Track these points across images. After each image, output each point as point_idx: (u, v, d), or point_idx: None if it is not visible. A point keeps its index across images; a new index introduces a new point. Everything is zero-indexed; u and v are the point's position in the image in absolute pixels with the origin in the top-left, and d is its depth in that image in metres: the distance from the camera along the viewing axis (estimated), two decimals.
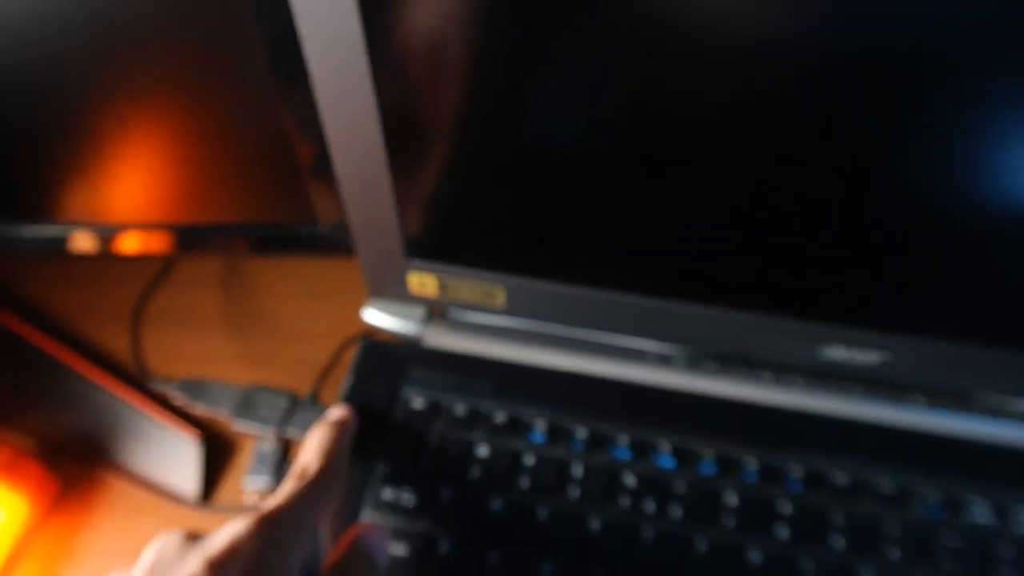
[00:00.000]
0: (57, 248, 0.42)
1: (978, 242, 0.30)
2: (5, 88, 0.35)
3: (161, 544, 0.27)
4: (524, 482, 0.36)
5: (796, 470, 0.36)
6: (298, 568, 0.27)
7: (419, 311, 0.41)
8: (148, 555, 0.27)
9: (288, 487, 0.30)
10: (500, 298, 0.38)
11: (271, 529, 0.27)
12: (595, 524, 0.35)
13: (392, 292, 0.40)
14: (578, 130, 0.30)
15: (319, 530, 0.31)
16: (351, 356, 0.41)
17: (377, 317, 0.41)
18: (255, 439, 0.42)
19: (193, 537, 0.27)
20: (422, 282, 0.38)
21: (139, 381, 0.46)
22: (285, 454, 0.41)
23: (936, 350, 0.35)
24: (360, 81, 0.30)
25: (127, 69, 0.33)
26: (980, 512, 0.35)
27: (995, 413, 0.37)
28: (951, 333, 0.34)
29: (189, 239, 0.40)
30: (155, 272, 0.51)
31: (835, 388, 0.38)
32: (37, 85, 0.35)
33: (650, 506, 0.35)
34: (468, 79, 0.29)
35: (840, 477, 0.36)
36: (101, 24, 0.31)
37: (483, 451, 0.37)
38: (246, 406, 0.40)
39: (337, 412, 0.35)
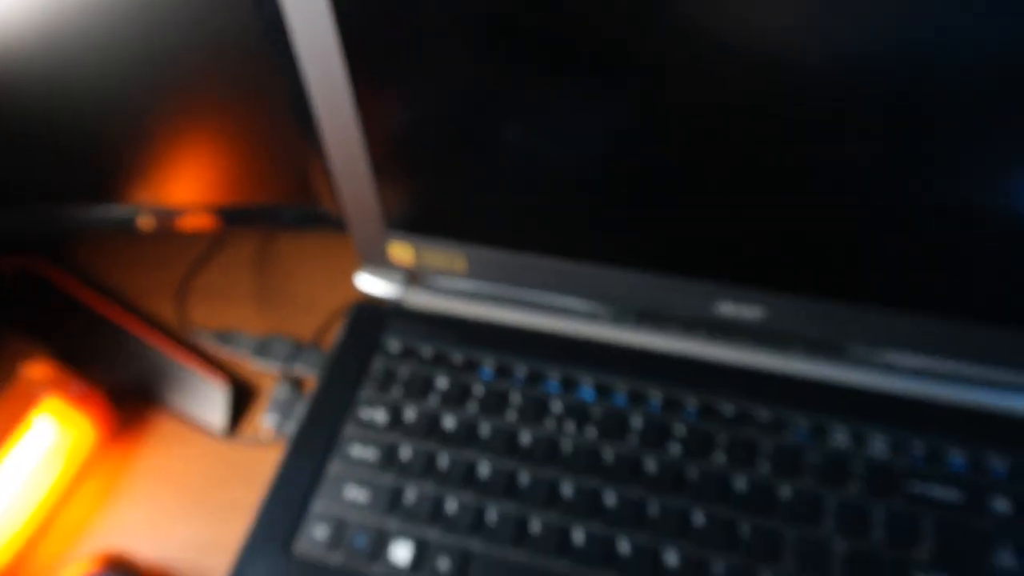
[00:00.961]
0: (122, 226, 0.53)
1: (841, 208, 0.39)
2: (81, 99, 0.46)
3: None
4: (472, 408, 0.45)
5: (692, 402, 0.44)
6: None
7: (399, 277, 0.50)
8: None
9: None
10: (460, 264, 0.47)
11: None
12: (525, 438, 0.44)
13: (378, 261, 0.49)
14: (511, 116, 0.40)
15: None
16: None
17: (366, 282, 0.51)
18: (273, 386, 0.52)
19: None
20: (401, 251, 0.48)
21: (180, 338, 0.57)
22: (296, 395, 0.51)
23: (809, 307, 0.43)
24: (343, 98, 0.40)
25: (174, 87, 0.44)
26: (840, 439, 0.42)
27: (863, 363, 0.45)
28: (823, 293, 0.42)
29: (222, 217, 0.51)
30: (197, 255, 0.62)
31: (728, 340, 0.46)
32: (104, 96, 0.46)
33: (570, 426, 0.44)
34: (436, 87, 0.39)
35: (727, 409, 0.44)
36: (153, 55, 0.43)
37: (442, 383, 0.46)
38: (262, 349, 0.50)
39: None
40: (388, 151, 0.43)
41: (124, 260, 0.64)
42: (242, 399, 0.54)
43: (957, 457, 0.41)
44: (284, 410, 0.51)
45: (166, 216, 0.53)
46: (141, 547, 0.47)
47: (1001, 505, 0.39)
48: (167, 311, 0.60)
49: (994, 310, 0.40)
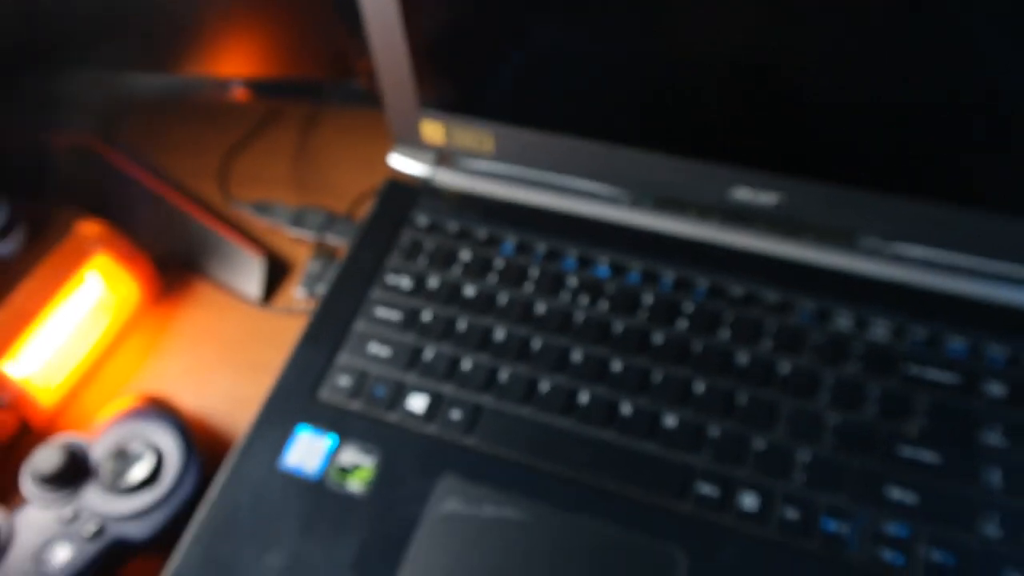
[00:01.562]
0: (171, 95, 0.56)
1: (858, 98, 0.39)
2: None
3: None
4: (492, 279, 0.47)
5: (702, 283, 0.46)
6: None
7: (430, 157, 0.52)
8: None
9: None
10: (488, 144, 0.49)
11: None
12: (540, 308, 0.46)
13: (410, 139, 0.51)
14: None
15: None
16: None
17: (399, 161, 0.53)
18: (308, 259, 0.55)
19: None
20: (432, 129, 0.50)
21: (222, 213, 0.60)
22: (330, 267, 0.54)
23: (823, 194, 0.44)
24: None
25: None
26: (843, 322, 0.44)
27: (872, 252, 0.46)
28: (836, 179, 0.43)
29: (264, 90, 0.54)
30: (240, 137, 0.65)
31: (742, 225, 0.47)
32: None
33: (584, 300, 0.46)
34: None
35: (736, 290, 0.45)
36: None
37: (465, 256, 0.48)
38: (297, 219, 0.53)
39: None
40: (424, 27, 0.44)
41: (172, 142, 0.66)
42: (278, 272, 0.57)
43: (957, 343, 0.42)
44: (316, 282, 0.54)
45: (211, 88, 0.55)
46: (180, 396, 0.51)
47: (995, 389, 0.40)
48: (210, 189, 0.62)
49: (1002, 201, 0.41)
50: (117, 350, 0.54)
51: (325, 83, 0.52)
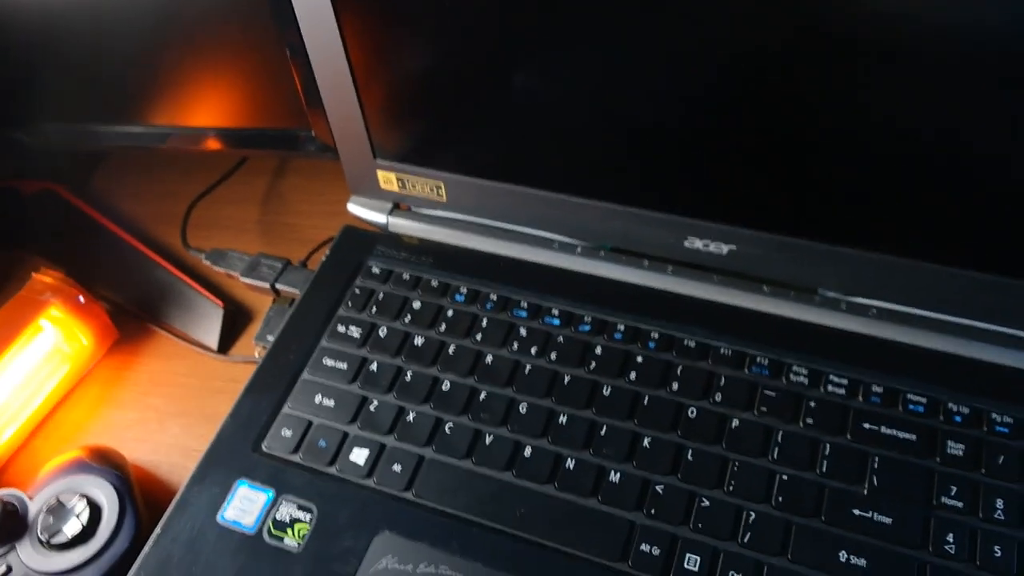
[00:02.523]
0: (140, 144, 0.56)
1: (812, 147, 0.39)
2: (96, 33, 0.49)
3: None
4: (442, 327, 0.46)
5: (654, 333, 0.45)
6: None
7: (386, 205, 0.52)
8: None
9: None
10: (441, 193, 0.49)
11: None
12: (488, 359, 0.45)
13: (366, 188, 0.51)
14: (485, 47, 0.41)
15: None
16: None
17: (356, 209, 0.52)
18: (267, 307, 0.55)
19: None
20: (387, 179, 0.50)
21: (183, 262, 0.59)
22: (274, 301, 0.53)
23: (776, 244, 0.43)
24: (330, 30, 0.41)
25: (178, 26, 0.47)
26: (797, 377, 0.42)
27: (828, 306, 0.45)
28: (790, 231, 0.42)
29: (224, 139, 0.54)
30: (200, 190, 0.65)
31: (696, 275, 0.46)
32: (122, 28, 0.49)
33: (533, 349, 0.45)
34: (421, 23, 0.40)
35: (689, 341, 0.44)
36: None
37: (416, 304, 0.48)
38: (252, 267, 0.52)
39: None
40: (375, 83, 0.44)
41: (140, 190, 0.67)
42: (241, 320, 0.57)
43: (915, 399, 0.41)
44: (273, 329, 0.53)
45: (181, 137, 0.56)
46: (130, 447, 0.50)
47: (953, 448, 0.39)
48: (174, 238, 0.62)
49: (963, 256, 0.40)
50: (70, 400, 0.54)
51: (288, 134, 0.52)
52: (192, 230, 0.62)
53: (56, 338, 0.52)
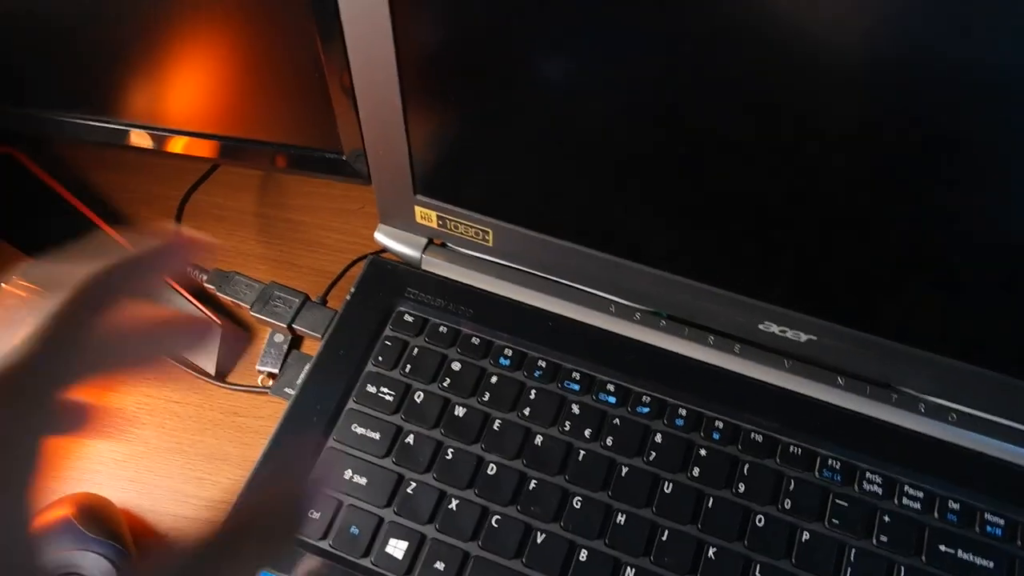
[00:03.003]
0: (119, 142, 0.48)
1: (909, 253, 0.35)
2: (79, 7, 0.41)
3: None
4: (485, 396, 0.42)
5: (718, 422, 0.41)
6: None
7: (421, 240, 0.46)
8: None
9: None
10: (489, 239, 0.43)
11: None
12: (538, 439, 0.41)
13: (400, 220, 0.45)
14: (577, 102, 0.35)
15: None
16: (360, 270, 0.47)
17: (386, 240, 0.47)
18: (269, 330, 0.49)
19: None
20: (425, 215, 0.44)
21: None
22: (293, 346, 0.48)
23: (858, 339, 0.39)
24: (382, 28, 0.34)
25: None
26: (871, 487, 0.40)
27: (905, 406, 0.42)
28: (872, 328, 0.39)
29: (229, 149, 0.46)
30: (201, 172, 0.57)
31: (766, 359, 0.43)
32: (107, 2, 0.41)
33: (587, 431, 0.41)
34: (483, 37, 0.34)
35: (755, 435, 0.41)
36: None
37: (456, 365, 0.43)
38: (264, 300, 0.46)
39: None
40: (428, 117, 0.38)
41: (117, 163, 0.59)
42: (237, 341, 0.51)
43: (995, 519, 0.39)
44: (278, 360, 0.48)
45: (161, 136, 0.48)
46: (118, 489, 0.45)
47: None
48: (157, 227, 0.55)
49: None
50: None
51: (312, 153, 0.45)
52: (185, 222, 0.55)
53: None
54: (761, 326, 0.41)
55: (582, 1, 0.30)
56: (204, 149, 0.47)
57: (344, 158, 0.44)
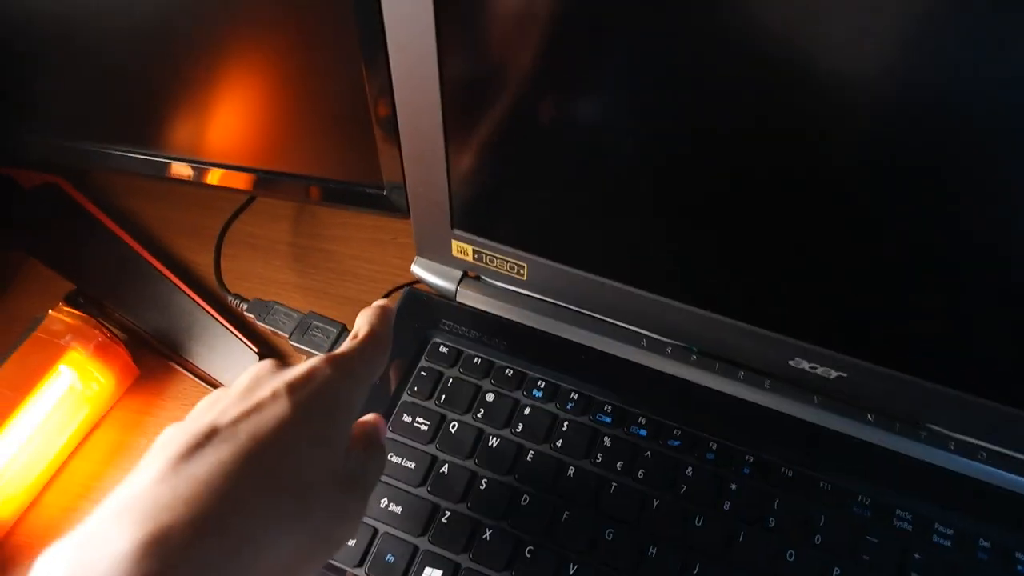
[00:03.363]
0: (161, 174, 0.50)
1: (935, 295, 0.36)
2: (127, 42, 0.42)
3: (256, 368, 0.32)
4: (519, 427, 0.43)
5: (748, 457, 0.42)
6: (358, 405, 0.32)
7: (456, 273, 0.47)
8: (246, 376, 0.32)
9: (350, 343, 0.34)
10: (523, 273, 0.44)
11: (342, 364, 0.32)
12: (570, 471, 0.41)
13: (436, 253, 0.46)
14: (614, 143, 0.36)
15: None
16: (396, 300, 0.48)
17: (422, 272, 0.48)
18: (305, 357, 0.50)
19: (281, 366, 0.32)
20: (462, 249, 0.45)
21: (215, 293, 0.54)
22: None
23: (890, 378, 0.40)
24: (428, 68, 0.35)
25: (229, 32, 0.40)
26: (903, 524, 0.40)
27: (936, 443, 0.42)
28: (905, 367, 0.39)
29: (267, 182, 0.48)
30: (240, 202, 0.59)
31: (797, 394, 0.43)
32: (151, 39, 0.42)
33: (619, 464, 0.42)
34: (525, 78, 0.35)
35: (787, 470, 0.42)
36: None
37: (490, 396, 0.44)
38: (302, 330, 0.47)
39: (383, 301, 0.39)
40: (469, 155, 0.39)
41: (161, 197, 0.60)
42: None
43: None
44: None
45: (201, 168, 0.49)
46: None
47: None
48: (202, 258, 0.57)
49: None
50: (85, 447, 0.49)
51: (353, 188, 0.46)
52: (224, 250, 0.57)
53: (73, 380, 0.47)
54: (792, 362, 0.41)
55: (621, 44, 0.31)
56: (243, 182, 0.49)
57: (384, 193, 0.45)
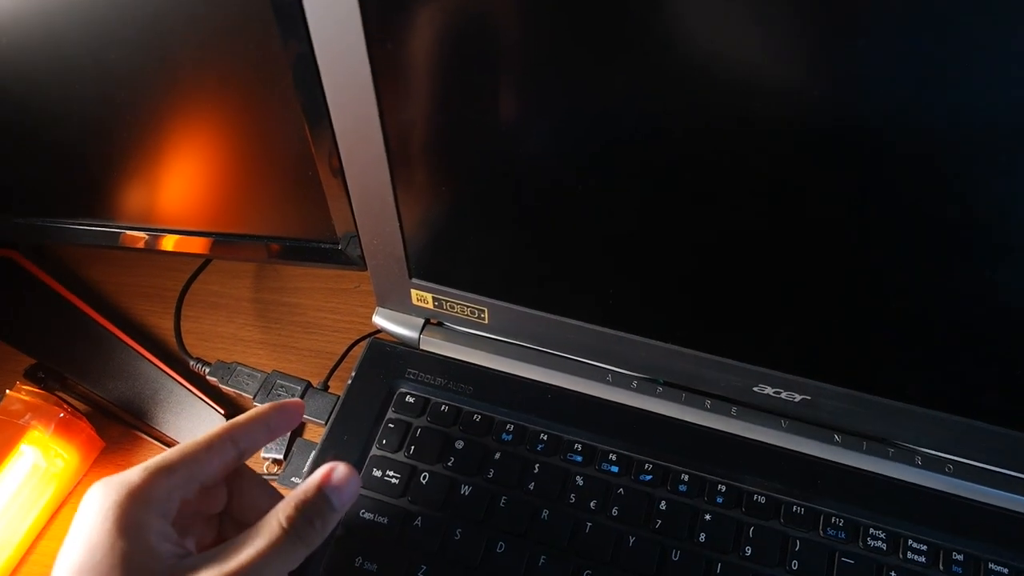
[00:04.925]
0: (116, 244, 0.49)
1: (893, 317, 0.36)
2: (73, 118, 0.42)
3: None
4: (490, 473, 0.43)
5: (720, 486, 0.42)
6: None
7: (418, 320, 0.47)
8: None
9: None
10: (484, 317, 0.44)
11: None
12: (544, 514, 0.41)
13: (396, 303, 0.46)
14: (561, 184, 0.36)
15: None
16: (360, 351, 0.48)
17: (384, 322, 0.48)
18: None
19: None
20: (421, 297, 0.45)
21: (178, 358, 0.53)
22: (297, 433, 0.49)
23: (852, 399, 0.40)
24: (370, 126, 0.35)
25: (175, 104, 0.40)
26: (876, 543, 0.40)
27: (904, 459, 0.43)
28: (866, 387, 0.40)
29: (223, 245, 0.48)
30: (199, 263, 0.59)
31: (762, 420, 0.44)
32: (100, 114, 0.42)
33: (592, 503, 0.42)
34: (467, 126, 0.35)
35: (759, 497, 0.42)
36: (149, 59, 0.38)
37: (459, 444, 0.43)
38: (267, 390, 0.47)
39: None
40: (418, 204, 0.39)
41: (118, 263, 0.60)
42: None
43: (997, 569, 0.39)
44: (282, 447, 0.48)
45: (155, 235, 0.49)
46: None
47: None
48: (163, 321, 0.56)
49: None
50: (54, 526, 0.48)
51: (307, 245, 0.46)
52: (184, 312, 0.56)
53: (36, 459, 0.46)
54: (756, 388, 0.42)
55: (569, 85, 0.32)
56: (199, 246, 0.49)
57: (339, 247, 0.45)
